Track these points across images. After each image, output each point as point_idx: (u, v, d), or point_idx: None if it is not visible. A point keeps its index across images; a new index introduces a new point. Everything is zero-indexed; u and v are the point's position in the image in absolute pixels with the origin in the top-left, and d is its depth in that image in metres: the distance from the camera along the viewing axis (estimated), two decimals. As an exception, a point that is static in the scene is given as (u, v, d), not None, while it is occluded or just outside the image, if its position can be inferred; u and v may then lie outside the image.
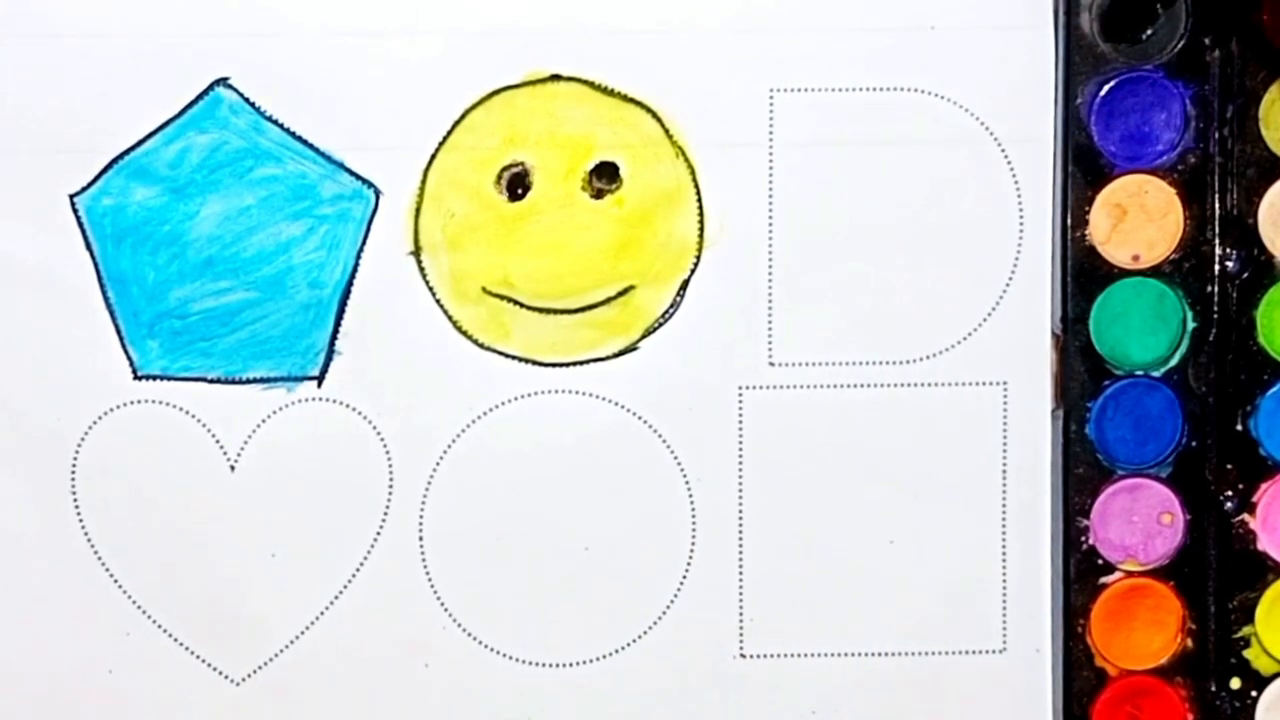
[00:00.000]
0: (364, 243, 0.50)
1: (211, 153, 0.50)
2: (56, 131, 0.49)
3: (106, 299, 0.50)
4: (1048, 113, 0.50)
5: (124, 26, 0.49)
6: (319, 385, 0.50)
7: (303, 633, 0.51)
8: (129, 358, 0.50)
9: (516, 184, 0.50)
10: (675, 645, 0.52)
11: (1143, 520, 0.52)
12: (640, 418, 0.51)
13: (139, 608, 0.51)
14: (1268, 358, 0.51)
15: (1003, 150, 0.50)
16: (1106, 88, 0.50)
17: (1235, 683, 0.52)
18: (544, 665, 0.52)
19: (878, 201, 0.50)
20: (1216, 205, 0.51)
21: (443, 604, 0.51)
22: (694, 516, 0.51)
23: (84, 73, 0.49)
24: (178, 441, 0.50)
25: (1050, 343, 0.51)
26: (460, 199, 0.50)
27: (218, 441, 0.50)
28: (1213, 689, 0.53)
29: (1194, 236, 0.51)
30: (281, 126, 0.49)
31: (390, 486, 0.51)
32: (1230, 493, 0.52)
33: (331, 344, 0.50)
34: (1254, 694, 0.52)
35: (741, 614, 0.52)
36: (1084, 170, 0.51)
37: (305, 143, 0.50)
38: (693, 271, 0.51)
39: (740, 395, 0.51)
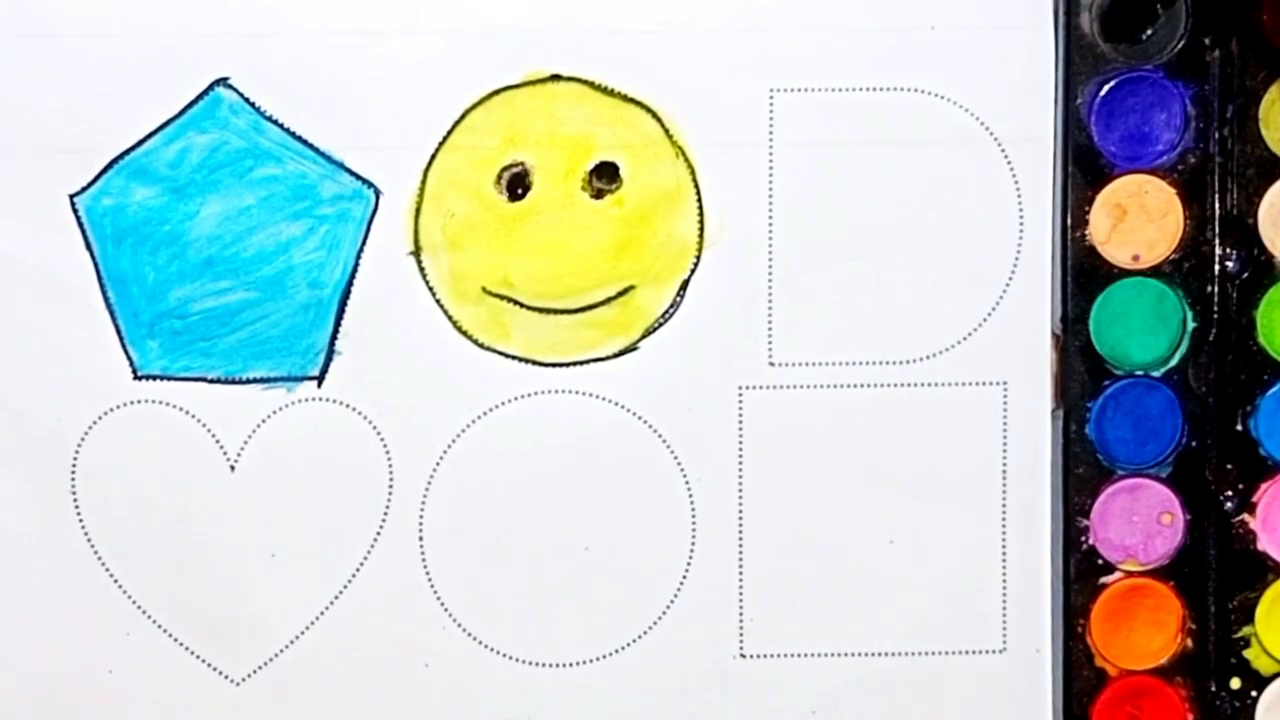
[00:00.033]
0: (364, 243, 0.50)
1: (211, 153, 0.50)
2: (56, 131, 0.49)
3: (106, 299, 0.50)
4: (1048, 113, 0.50)
5: (124, 26, 0.49)
6: (319, 385, 0.50)
7: (303, 633, 0.51)
8: (129, 358, 0.50)
9: (516, 184, 0.50)
10: (675, 645, 0.52)
11: (1143, 520, 0.52)
12: (640, 418, 0.51)
13: (139, 608, 0.51)
14: (1268, 358, 0.51)
15: (1003, 150, 0.50)
16: (1106, 88, 0.50)
17: (1235, 683, 0.52)
18: (544, 665, 0.52)
19: (878, 201, 0.50)
20: (1216, 205, 0.51)
21: (443, 604, 0.51)
22: (694, 517, 0.51)
23: (84, 73, 0.49)
24: (178, 441, 0.50)
25: (1050, 343, 0.51)
26: (460, 199, 0.50)
27: (218, 441, 0.50)
28: (1213, 689, 0.53)
29: (1194, 236, 0.51)
30: (281, 126, 0.49)
31: (390, 486, 0.51)
32: (1230, 493, 0.52)
33: (331, 344, 0.50)
34: (1254, 694, 0.52)
35: (741, 614, 0.52)
36: (1084, 170, 0.51)
37: (305, 143, 0.50)
38: (693, 271, 0.51)
39: (740, 395, 0.51)
